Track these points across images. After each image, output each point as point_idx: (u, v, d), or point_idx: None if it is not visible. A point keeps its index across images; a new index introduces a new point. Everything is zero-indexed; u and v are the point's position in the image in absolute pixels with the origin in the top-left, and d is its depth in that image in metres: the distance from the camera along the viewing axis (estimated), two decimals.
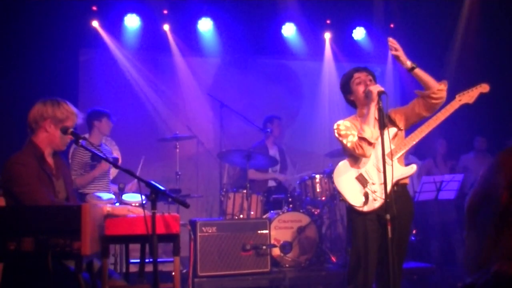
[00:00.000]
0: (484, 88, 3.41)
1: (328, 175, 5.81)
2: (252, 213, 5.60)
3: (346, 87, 3.52)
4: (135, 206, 4.38)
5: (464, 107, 3.42)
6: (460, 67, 6.83)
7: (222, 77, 7.56)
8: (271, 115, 6.65)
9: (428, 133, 3.38)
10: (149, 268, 2.90)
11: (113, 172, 5.51)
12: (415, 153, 6.61)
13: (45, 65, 6.21)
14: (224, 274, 5.04)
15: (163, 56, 7.31)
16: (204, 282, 4.97)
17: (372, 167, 3.35)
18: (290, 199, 6.02)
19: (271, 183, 6.52)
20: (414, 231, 6.24)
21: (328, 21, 7.60)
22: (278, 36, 7.50)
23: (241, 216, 5.52)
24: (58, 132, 3.01)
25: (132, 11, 6.91)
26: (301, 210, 5.76)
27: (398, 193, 3.27)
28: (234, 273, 5.07)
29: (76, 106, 3.21)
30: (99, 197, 4.40)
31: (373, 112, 3.28)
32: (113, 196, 4.55)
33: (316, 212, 5.93)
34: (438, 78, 3.40)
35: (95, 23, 6.80)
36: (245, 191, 5.56)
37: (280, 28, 7.45)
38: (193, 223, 5.17)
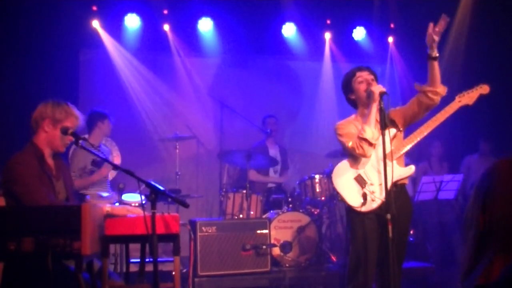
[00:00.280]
0: (484, 89, 3.40)
1: (328, 175, 5.81)
2: (252, 213, 5.61)
3: (347, 86, 3.51)
4: (135, 206, 4.39)
5: (467, 108, 3.42)
6: (460, 67, 6.83)
7: (222, 77, 7.56)
8: (264, 116, 6.66)
9: (428, 134, 3.38)
10: (149, 268, 2.90)
11: (113, 173, 5.51)
12: (409, 156, 6.60)
13: (45, 65, 6.21)
14: (224, 274, 5.05)
15: (163, 56, 7.31)
16: (204, 281, 4.98)
17: (371, 167, 3.35)
18: (290, 199, 6.03)
19: (271, 184, 6.52)
20: (411, 232, 6.24)
21: (328, 21, 7.59)
22: (278, 36, 7.50)
23: (241, 216, 5.52)
24: (58, 132, 3.02)
25: (132, 11, 6.90)
26: (301, 210, 5.77)
27: (397, 193, 3.28)
28: (234, 272, 5.07)
29: (76, 106, 3.22)
30: (101, 196, 4.42)
31: (375, 112, 3.28)
32: (110, 194, 4.56)
33: (316, 212, 5.93)
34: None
35: (95, 23, 6.79)
36: (245, 191, 5.56)
37: (280, 28, 7.45)
38: (193, 223, 5.18)
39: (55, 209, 2.54)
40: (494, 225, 1.32)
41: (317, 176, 5.94)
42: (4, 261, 2.71)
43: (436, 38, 3.21)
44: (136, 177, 2.77)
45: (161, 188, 2.74)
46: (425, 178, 5.81)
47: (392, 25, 7.76)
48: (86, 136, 5.09)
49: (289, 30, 7.48)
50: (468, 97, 3.39)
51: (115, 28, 6.94)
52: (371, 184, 3.31)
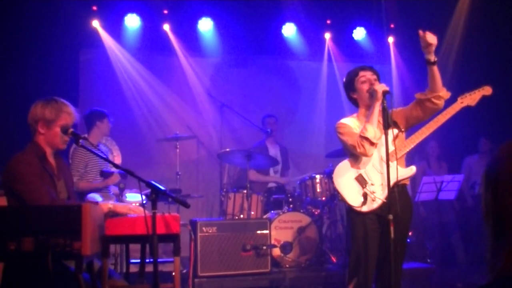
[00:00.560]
0: (487, 90, 3.40)
1: (328, 175, 5.81)
2: (252, 213, 5.60)
3: (350, 84, 3.50)
4: (136, 206, 4.38)
5: (467, 108, 3.41)
6: (460, 67, 6.83)
7: (222, 77, 7.56)
8: (263, 115, 6.66)
9: (429, 135, 3.38)
10: (149, 268, 2.90)
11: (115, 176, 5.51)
12: (408, 156, 6.59)
13: (45, 65, 6.20)
14: (224, 274, 5.04)
15: (163, 56, 7.30)
16: (204, 282, 4.97)
17: (371, 167, 3.35)
18: (290, 199, 6.02)
19: (272, 184, 6.51)
20: (410, 233, 6.24)
21: (328, 21, 7.59)
22: (278, 36, 7.50)
23: (242, 216, 5.52)
24: (55, 132, 3.01)
25: (132, 11, 6.90)
26: (301, 210, 5.76)
27: (398, 193, 3.26)
28: (234, 273, 5.07)
29: (76, 106, 3.20)
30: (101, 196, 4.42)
31: (377, 111, 3.26)
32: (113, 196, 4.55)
33: (316, 213, 5.92)
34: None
35: (95, 23, 6.79)
36: (245, 191, 5.56)
37: (280, 28, 7.44)
38: (193, 223, 5.17)
39: (55, 209, 2.54)
40: (508, 212, 1.29)
41: (317, 176, 5.94)
42: (4, 261, 2.70)
43: (430, 41, 3.12)
44: (137, 177, 2.77)
45: (162, 188, 2.73)
46: (426, 178, 5.81)
47: (392, 25, 7.76)
48: (86, 135, 5.09)
49: (289, 30, 7.48)
50: (470, 99, 3.39)
51: (115, 28, 6.93)
52: (372, 184, 3.30)
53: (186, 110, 7.31)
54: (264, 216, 5.65)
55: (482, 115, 6.26)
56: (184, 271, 5.18)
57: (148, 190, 2.74)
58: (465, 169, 6.86)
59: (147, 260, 3.29)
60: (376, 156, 3.34)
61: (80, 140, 2.99)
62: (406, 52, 7.77)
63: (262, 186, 6.37)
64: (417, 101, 3.36)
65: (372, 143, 3.26)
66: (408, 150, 3.38)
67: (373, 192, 3.28)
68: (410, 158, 6.54)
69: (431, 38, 3.12)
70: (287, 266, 5.46)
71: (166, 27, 7.11)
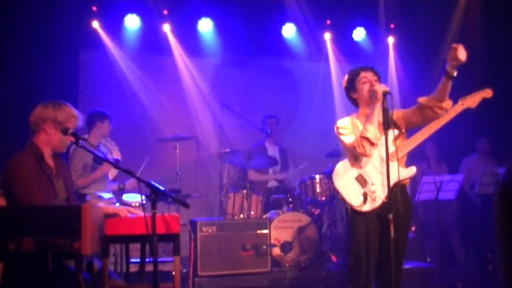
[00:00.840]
0: (487, 93, 3.41)
1: (328, 175, 5.82)
2: (252, 213, 5.61)
3: (351, 84, 3.50)
4: (135, 206, 4.39)
5: (466, 109, 3.42)
6: (460, 67, 6.82)
7: (222, 77, 7.56)
8: (264, 115, 6.67)
9: (429, 136, 3.38)
10: (149, 268, 2.90)
11: (113, 172, 5.52)
12: (407, 157, 6.60)
13: (45, 65, 6.21)
14: (224, 274, 5.04)
15: (163, 56, 7.31)
16: (204, 282, 4.97)
17: (372, 167, 3.35)
18: (290, 199, 6.03)
19: (271, 184, 6.52)
20: (413, 228, 6.24)
21: (328, 21, 7.59)
22: (278, 36, 7.50)
23: (241, 216, 5.52)
24: (59, 133, 3.02)
25: (132, 11, 6.90)
26: (301, 210, 5.77)
27: (398, 193, 3.26)
28: (234, 273, 5.07)
29: (76, 106, 3.22)
30: (101, 197, 4.42)
31: (378, 111, 3.26)
32: (112, 195, 4.56)
33: (316, 212, 5.93)
34: (439, 79, 3.40)
35: (95, 24, 6.79)
36: (245, 191, 5.56)
37: (280, 28, 7.45)
38: (193, 223, 5.18)
39: (55, 209, 2.54)
40: None
41: (317, 176, 5.94)
42: (4, 261, 2.71)
43: (460, 57, 3.04)
44: (137, 177, 2.77)
45: (161, 188, 2.74)
46: (425, 178, 5.81)
47: (392, 25, 7.76)
48: (86, 136, 5.10)
49: (289, 31, 7.48)
50: (470, 101, 3.39)
51: (115, 28, 6.94)
52: (372, 184, 3.30)
53: (186, 110, 7.32)
54: (264, 216, 5.65)
55: (480, 115, 6.26)
56: (184, 270, 5.19)
57: (148, 191, 2.74)
58: (464, 169, 6.86)
59: (147, 260, 3.29)
60: (377, 156, 3.34)
61: (80, 141, 3.00)
62: (406, 52, 7.77)
63: (262, 186, 6.37)
64: (418, 106, 3.35)
65: (372, 143, 3.26)
66: (408, 150, 3.38)
67: (374, 192, 3.28)
68: (410, 159, 6.57)
69: (462, 55, 3.04)
70: (287, 265, 5.46)
71: (166, 27, 7.12)
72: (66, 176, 3.19)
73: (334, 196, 5.88)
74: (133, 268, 3.54)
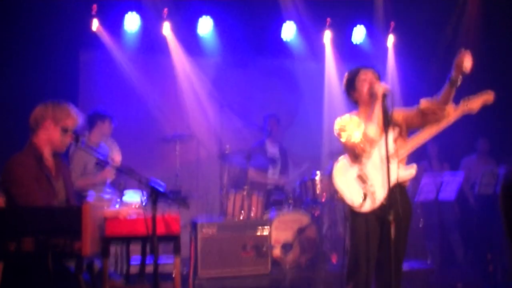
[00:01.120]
0: (489, 96, 3.42)
1: (328, 175, 5.80)
2: (252, 213, 5.60)
3: (350, 83, 3.49)
4: (135, 207, 4.38)
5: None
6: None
7: (222, 77, 7.55)
8: (265, 114, 6.67)
9: (431, 136, 3.38)
10: (149, 269, 2.90)
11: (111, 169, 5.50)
12: (409, 156, 6.60)
13: (45, 65, 6.20)
14: (224, 275, 5.04)
15: (163, 56, 7.29)
16: (204, 282, 4.97)
17: (372, 167, 3.34)
18: (290, 200, 6.02)
19: (271, 185, 6.51)
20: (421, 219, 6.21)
21: (328, 21, 7.59)
22: (278, 36, 7.49)
23: (242, 216, 5.52)
24: (58, 132, 3.02)
25: (132, 11, 6.90)
26: (301, 211, 5.76)
27: (398, 194, 3.25)
28: (234, 273, 5.07)
29: (76, 106, 3.22)
30: (101, 197, 4.42)
31: (377, 111, 3.26)
32: (112, 196, 4.56)
33: (316, 213, 5.92)
34: (438, 79, 3.40)
35: (95, 24, 6.78)
36: (245, 191, 5.56)
37: (280, 28, 7.44)
38: (193, 224, 5.17)
39: (55, 210, 2.54)
40: None
41: (317, 177, 5.93)
42: (4, 261, 2.70)
43: (466, 65, 3.09)
44: (137, 177, 2.77)
45: (161, 188, 2.73)
46: (426, 178, 5.81)
47: (392, 25, 7.76)
48: (86, 133, 5.11)
49: (289, 30, 7.47)
50: (473, 103, 3.40)
51: (115, 28, 6.93)
52: (372, 184, 3.30)
53: (186, 110, 7.31)
54: (264, 217, 5.65)
55: (481, 115, 6.25)
56: (185, 271, 5.18)
57: (148, 191, 2.74)
58: (463, 169, 6.86)
59: (147, 261, 3.29)
60: (377, 155, 3.33)
61: (80, 141, 3.00)
62: (406, 52, 7.77)
63: (262, 186, 6.37)
64: (420, 110, 3.34)
65: (371, 143, 3.26)
66: (409, 150, 3.38)
67: (374, 192, 3.28)
68: (411, 159, 6.57)
69: (468, 64, 3.06)
70: (287, 266, 5.46)
71: (166, 27, 7.11)
72: (65, 176, 3.19)
73: (334, 196, 5.88)
74: (134, 269, 3.54)
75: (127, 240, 3.09)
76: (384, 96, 3.21)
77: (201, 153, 7.23)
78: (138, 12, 6.93)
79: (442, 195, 5.86)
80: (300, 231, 5.55)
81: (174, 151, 6.29)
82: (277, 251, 5.43)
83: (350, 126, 3.39)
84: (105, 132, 5.26)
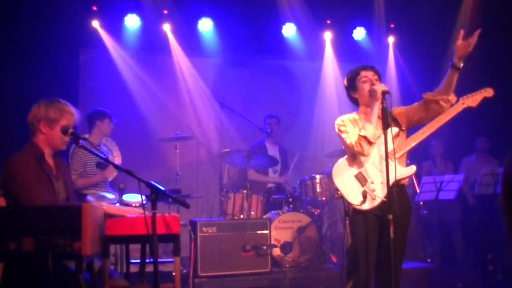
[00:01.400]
0: (488, 92, 3.42)
1: (328, 175, 5.81)
2: (252, 213, 5.60)
3: (351, 83, 3.51)
4: (136, 206, 4.39)
5: (468, 109, 3.42)
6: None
7: (222, 77, 7.56)
8: (265, 115, 6.68)
9: (430, 134, 3.38)
10: (149, 268, 2.90)
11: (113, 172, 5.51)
12: (413, 155, 6.60)
13: (45, 65, 6.20)
14: (224, 274, 5.04)
15: (163, 56, 7.30)
16: (204, 282, 4.97)
17: (371, 166, 3.35)
18: (290, 199, 6.02)
19: (271, 184, 6.51)
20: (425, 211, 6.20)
21: (328, 21, 7.59)
22: (278, 36, 7.49)
23: (242, 216, 5.52)
24: (56, 132, 3.02)
25: (132, 11, 6.90)
26: (301, 210, 5.76)
27: (397, 193, 3.25)
28: (234, 273, 5.07)
29: (76, 106, 3.21)
30: (103, 197, 4.42)
31: (377, 111, 3.27)
32: (113, 196, 4.56)
33: (316, 212, 5.92)
34: (438, 78, 3.41)
35: (95, 23, 6.79)
36: (245, 191, 5.56)
37: (280, 28, 7.44)
38: (193, 224, 5.17)
39: (55, 209, 2.54)
40: None
41: (317, 176, 5.94)
42: (4, 261, 2.71)
43: (470, 49, 3.11)
44: (137, 177, 2.77)
45: (162, 188, 2.73)
46: (425, 178, 5.81)
47: (392, 25, 7.76)
48: (87, 135, 5.10)
49: (289, 30, 7.48)
50: (472, 100, 3.40)
51: (115, 28, 6.93)
52: (372, 183, 3.30)
53: (186, 110, 7.31)
54: (264, 216, 5.65)
55: (482, 115, 6.25)
56: (184, 271, 5.19)
57: (148, 191, 2.74)
58: (463, 169, 6.86)
59: (147, 260, 3.29)
60: (376, 154, 3.34)
61: (80, 141, 3.00)
62: (406, 52, 7.77)
63: (262, 186, 6.37)
64: (423, 101, 3.36)
65: (370, 142, 3.27)
66: (408, 149, 3.38)
67: (373, 191, 3.28)
68: (415, 158, 6.58)
69: (469, 45, 3.08)
70: (287, 266, 5.46)
71: (166, 27, 7.11)
72: (66, 176, 3.19)
73: (334, 196, 5.88)
74: (133, 269, 3.54)
75: (127, 240, 3.08)
76: (383, 96, 3.21)
77: (201, 153, 7.23)
78: (138, 12, 6.93)
79: (442, 195, 5.86)
80: (300, 231, 5.55)
81: (174, 151, 6.29)
82: (277, 251, 5.43)
83: (350, 126, 3.40)
84: (105, 131, 5.26)
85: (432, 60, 7.19)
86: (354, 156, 3.39)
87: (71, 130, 3.02)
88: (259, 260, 5.15)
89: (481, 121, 6.70)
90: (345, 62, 7.56)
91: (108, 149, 5.57)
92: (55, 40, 6.36)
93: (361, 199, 3.28)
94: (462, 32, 3.12)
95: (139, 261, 3.30)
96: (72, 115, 3.09)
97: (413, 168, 3.36)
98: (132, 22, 6.93)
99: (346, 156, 3.46)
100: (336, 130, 3.44)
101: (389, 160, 3.17)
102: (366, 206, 3.27)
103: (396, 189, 3.24)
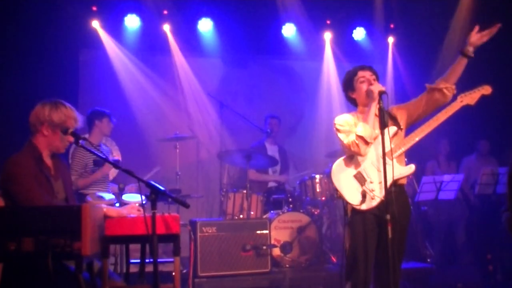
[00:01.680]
0: (486, 90, 3.42)
1: (328, 175, 5.80)
2: (252, 213, 5.60)
3: (349, 84, 3.52)
4: (136, 204, 4.38)
5: (468, 109, 3.42)
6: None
7: (222, 77, 7.56)
8: (266, 115, 6.68)
9: (428, 133, 3.39)
10: (149, 268, 2.90)
11: (113, 172, 5.51)
12: (417, 154, 6.59)
13: (45, 65, 6.20)
14: (224, 274, 5.04)
15: (163, 56, 7.30)
16: (204, 282, 4.97)
17: (370, 165, 3.35)
18: (290, 199, 6.02)
19: (272, 184, 6.52)
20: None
21: (328, 21, 7.59)
22: (278, 36, 7.50)
23: (241, 216, 5.52)
24: (57, 134, 3.01)
25: (132, 11, 6.90)
26: (301, 210, 5.77)
27: (396, 193, 3.26)
28: (234, 273, 5.07)
29: (76, 106, 3.20)
30: (101, 197, 4.42)
31: (374, 111, 3.28)
32: (113, 196, 4.56)
33: (316, 212, 5.93)
34: (438, 78, 3.41)
35: (95, 23, 6.79)
36: (245, 191, 5.56)
37: (280, 28, 7.44)
38: (193, 223, 5.18)
39: (55, 209, 2.54)
40: None
41: (317, 176, 5.94)
42: (4, 261, 2.71)
43: (485, 40, 3.32)
44: (136, 177, 2.77)
45: (161, 188, 2.74)
46: (425, 178, 5.81)
47: (392, 25, 7.76)
48: (86, 135, 5.10)
49: (289, 30, 7.48)
50: (469, 97, 3.40)
51: (115, 28, 6.93)
52: (371, 182, 3.30)
53: (186, 110, 7.32)
54: (264, 216, 5.65)
55: (483, 116, 6.26)
56: (184, 271, 5.19)
57: (148, 191, 2.74)
58: (463, 169, 6.86)
59: (147, 260, 3.29)
60: (375, 154, 3.34)
61: (80, 141, 3.00)
62: (406, 52, 7.77)
63: (262, 186, 6.37)
64: (425, 92, 3.38)
65: (366, 142, 3.27)
66: (407, 148, 3.38)
67: (372, 190, 3.28)
68: (420, 157, 6.58)
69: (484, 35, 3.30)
70: (287, 266, 5.46)
71: (166, 27, 7.11)
72: (65, 176, 3.18)
73: (334, 196, 5.87)
74: (133, 269, 3.54)
75: (126, 240, 3.08)
76: (380, 96, 3.22)
77: (201, 153, 7.24)
78: (138, 12, 6.93)
79: (442, 195, 5.86)
80: (300, 231, 5.55)
81: (174, 151, 6.29)
82: (276, 251, 5.43)
83: (347, 126, 3.40)
84: (104, 131, 5.25)
85: (432, 60, 7.19)
86: (353, 156, 3.39)
87: (71, 130, 3.01)
88: (259, 260, 5.15)
89: (482, 122, 6.71)
90: (345, 62, 7.56)
91: (109, 149, 5.57)
92: (55, 40, 6.36)
93: (361, 199, 3.28)
94: (476, 27, 3.28)
95: (139, 261, 3.30)
96: (75, 121, 3.08)
97: (412, 167, 3.36)
98: (132, 22, 6.93)
99: (344, 156, 3.47)
100: (335, 128, 3.45)
101: (388, 160, 3.17)
102: (365, 206, 3.27)
103: (395, 189, 3.24)
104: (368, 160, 3.35)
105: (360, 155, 3.31)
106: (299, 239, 5.53)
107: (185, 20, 7.18)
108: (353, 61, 6.93)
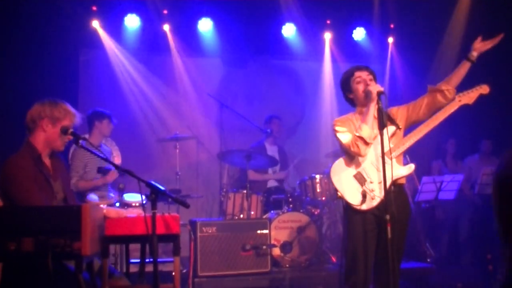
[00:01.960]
0: (484, 89, 3.42)
1: (328, 175, 5.79)
2: (252, 213, 5.60)
3: (346, 85, 3.52)
4: (136, 206, 4.39)
5: (469, 109, 3.43)
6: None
7: (222, 77, 7.56)
8: (269, 115, 6.68)
9: (427, 133, 3.39)
10: (149, 268, 2.90)
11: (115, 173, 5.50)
12: (423, 154, 6.57)
13: (45, 65, 6.20)
14: (224, 274, 5.04)
15: (163, 56, 7.31)
16: (204, 282, 4.97)
17: (370, 165, 3.35)
18: (290, 199, 6.02)
19: (271, 184, 6.52)
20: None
21: (328, 21, 7.59)
22: (278, 36, 7.50)
23: (241, 216, 5.52)
24: (57, 131, 3.01)
25: (132, 11, 6.90)
26: (301, 210, 5.76)
27: (395, 193, 3.25)
28: (234, 273, 5.07)
29: (76, 106, 3.22)
30: (101, 197, 4.42)
31: (372, 111, 3.28)
32: (113, 196, 4.56)
33: (316, 212, 5.93)
34: (438, 78, 3.41)
35: (95, 23, 6.79)
36: (245, 191, 5.56)
37: (280, 28, 7.44)
38: (193, 223, 5.18)
39: (55, 209, 2.54)
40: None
41: (317, 176, 5.94)
42: (4, 261, 2.71)
43: (488, 47, 3.40)
44: (137, 177, 2.77)
45: (162, 188, 2.74)
46: (425, 178, 5.81)
47: (392, 25, 7.76)
48: (86, 136, 5.10)
49: (289, 31, 7.48)
50: (468, 97, 3.41)
51: (115, 28, 6.94)
52: (371, 182, 3.30)
53: (186, 110, 7.32)
54: (264, 216, 5.65)
55: (486, 116, 6.27)
56: (184, 271, 5.19)
57: (148, 191, 2.74)
58: (466, 169, 6.86)
59: (147, 260, 3.29)
60: (374, 154, 3.35)
61: (80, 141, 3.00)
62: (406, 52, 7.77)
63: (262, 186, 6.37)
64: (426, 94, 3.38)
65: (366, 143, 3.27)
66: (406, 148, 3.39)
67: (372, 190, 3.28)
68: (426, 157, 6.57)
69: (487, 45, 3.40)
70: (287, 266, 5.46)
71: (166, 27, 7.11)
72: (63, 176, 3.18)
73: (334, 196, 5.87)
74: (133, 269, 3.54)
75: (126, 240, 3.08)
76: (379, 96, 3.22)
77: (201, 153, 7.23)
78: (138, 12, 6.93)
79: (442, 195, 5.86)
80: (300, 231, 5.55)
81: (174, 151, 6.29)
82: (276, 251, 5.44)
83: (346, 126, 3.40)
84: (104, 132, 5.25)
85: (432, 60, 7.19)
86: (352, 156, 3.39)
87: (71, 130, 3.02)
88: (258, 260, 5.15)
89: (484, 122, 6.71)
90: (345, 62, 7.56)
91: (109, 149, 5.57)
92: (55, 40, 6.35)
93: (361, 199, 3.28)
94: (480, 38, 3.40)
95: (139, 261, 3.31)
96: (75, 117, 3.12)
97: (411, 167, 3.36)
98: (132, 22, 6.94)
99: (344, 156, 3.47)
100: (333, 130, 3.45)
101: (387, 160, 3.17)
102: (365, 206, 3.28)
103: (394, 189, 3.24)
104: (367, 160, 3.36)
105: (360, 155, 3.32)
106: (299, 239, 5.53)
107: (185, 20, 7.18)
108: (353, 61, 6.92)
